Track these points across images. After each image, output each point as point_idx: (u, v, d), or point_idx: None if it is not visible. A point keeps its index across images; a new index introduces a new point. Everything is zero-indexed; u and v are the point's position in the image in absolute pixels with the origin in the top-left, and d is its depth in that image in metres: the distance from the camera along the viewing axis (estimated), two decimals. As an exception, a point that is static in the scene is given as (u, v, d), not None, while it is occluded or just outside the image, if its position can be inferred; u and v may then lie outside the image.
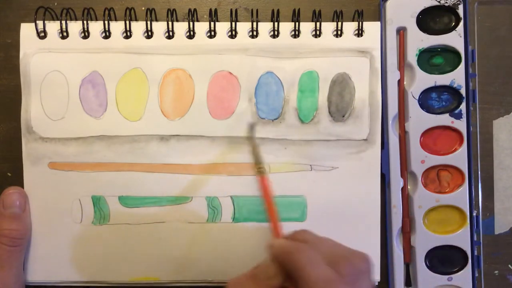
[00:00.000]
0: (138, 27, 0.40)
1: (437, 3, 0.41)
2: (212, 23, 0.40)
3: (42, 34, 0.40)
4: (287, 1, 0.42)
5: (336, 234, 0.40)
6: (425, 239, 0.41)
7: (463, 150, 0.41)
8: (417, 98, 0.41)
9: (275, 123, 0.41)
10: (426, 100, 0.42)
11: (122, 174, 0.41)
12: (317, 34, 0.41)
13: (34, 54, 0.40)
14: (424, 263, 0.41)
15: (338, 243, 0.32)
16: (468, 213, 0.41)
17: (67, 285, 0.41)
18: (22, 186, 0.40)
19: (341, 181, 0.41)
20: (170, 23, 0.40)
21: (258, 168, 0.39)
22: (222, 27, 0.41)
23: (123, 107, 0.41)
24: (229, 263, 0.41)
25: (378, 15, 0.42)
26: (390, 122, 0.41)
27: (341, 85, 0.41)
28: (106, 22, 0.40)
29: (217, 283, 0.41)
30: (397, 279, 0.41)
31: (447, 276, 0.41)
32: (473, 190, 0.41)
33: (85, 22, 0.40)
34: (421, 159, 0.41)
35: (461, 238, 0.41)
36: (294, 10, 0.40)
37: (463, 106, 0.41)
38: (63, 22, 0.40)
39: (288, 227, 0.41)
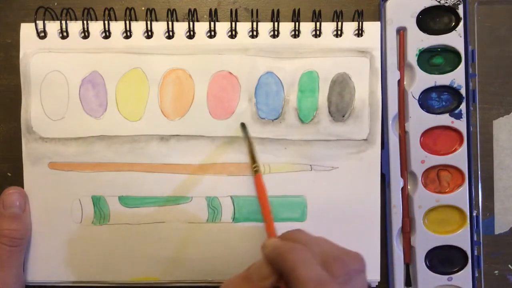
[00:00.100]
0: (138, 27, 0.40)
1: (437, 3, 0.41)
2: (212, 23, 0.40)
3: (42, 34, 0.40)
4: (287, 1, 0.42)
5: (336, 234, 0.40)
6: (425, 239, 0.41)
7: (463, 150, 0.41)
8: (417, 98, 0.41)
9: (275, 123, 0.41)
10: (426, 100, 0.42)
11: (122, 174, 0.41)
12: (317, 34, 0.41)
13: (34, 54, 0.40)
14: (424, 263, 0.41)
15: (332, 243, 0.32)
16: (468, 213, 0.41)
17: (67, 285, 0.41)
18: (22, 186, 0.40)
19: (341, 181, 0.41)
20: (170, 23, 0.40)
21: (253, 167, 0.39)
22: (222, 27, 0.41)
23: (123, 107, 0.41)
24: (229, 263, 0.41)
25: (378, 15, 0.42)
26: (390, 122, 0.41)
27: (341, 85, 0.41)
28: (106, 22, 0.40)
29: (217, 283, 0.41)
30: (397, 279, 0.41)
31: (447, 276, 0.41)
32: (473, 190, 0.41)
33: (85, 22, 0.40)
34: (421, 159, 0.41)
35: (461, 238, 0.41)
36: (294, 10, 0.40)
37: (463, 106, 0.41)
38: (63, 22, 0.40)
39: (288, 227, 0.41)
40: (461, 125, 0.41)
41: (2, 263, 0.38)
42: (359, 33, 0.41)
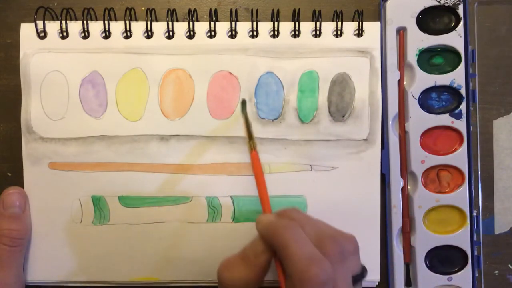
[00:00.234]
0: (138, 27, 0.40)
1: (437, 3, 0.41)
2: (212, 23, 0.40)
3: (42, 34, 0.40)
4: (287, 1, 0.42)
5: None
6: (425, 239, 0.41)
7: (463, 150, 0.41)
8: (417, 98, 0.41)
9: (275, 123, 0.41)
10: (426, 100, 0.42)
11: (122, 174, 0.41)
12: (317, 34, 0.41)
13: (34, 54, 0.40)
14: (424, 263, 0.41)
15: (327, 224, 0.33)
16: (468, 213, 0.41)
17: (67, 285, 0.41)
18: (22, 186, 0.40)
19: (341, 181, 0.41)
20: (170, 23, 0.40)
21: (250, 143, 0.39)
22: (222, 27, 0.41)
23: (123, 107, 0.41)
24: (229, 263, 0.41)
25: (378, 15, 0.42)
26: (390, 122, 0.41)
27: (341, 85, 0.41)
28: (106, 22, 0.40)
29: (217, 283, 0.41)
30: (397, 279, 0.41)
31: (447, 276, 0.41)
32: (473, 190, 0.41)
33: (85, 22, 0.40)
34: (421, 159, 0.41)
35: (461, 238, 0.41)
36: (294, 10, 0.40)
37: (463, 106, 0.41)
38: (63, 22, 0.40)
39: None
40: (461, 125, 0.41)
41: (2, 263, 0.38)
42: (359, 33, 0.41)
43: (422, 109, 0.41)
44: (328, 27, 0.41)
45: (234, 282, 0.31)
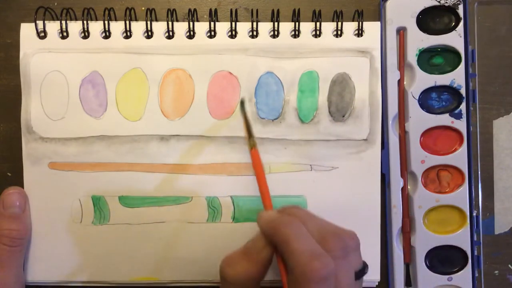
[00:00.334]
0: (138, 27, 0.40)
1: (437, 3, 0.41)
2: (212, 23, 0.40)
3: (42, 34, 0.40)
4: (287, 1, 0.42)
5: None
6: (425, 239, 0.41)
7: (463, 150, 0.41)
8: (417, 98, 0.41)
9: (275, 123, 0.41)
10: (426, 100, 0.42)
11: (122, 174, 0.41)
12: (317, 34, 0.41)
13: (34, 54, 0.40)
14: (424, 263, 0.41)
15: (328, 221, 0.33)
16: (468, 213, 0.41)
17: (67, 285, 0.41)
18: (22, 186, 0.40)
19: (341, 181, 0.41)
20: (170, 23, 0.40)
21: (250, 141, 0.38)
22: (222, 27, 0.41)
23: (123, 107, 0.41)
24: (229, 263, 0.41)
25: (378, 15, 0.42)
26: (390, 122, 0.41)
27: (341, 85, 0.41)
28: (106, 22, 0.40)
29: (217, 283, 0.41)
30: (397, 279, 0.41)
31: (447, 276, 0.41)
32: (473, 190, 0.41)
33: (85, 22, 0.40)
34: (421, 159, 0.41)
35: (461, 238, 0.41)
36: (294, 10, 0.40)
37: (463, 106, 0.41)
38: (63, 22, 0.40)
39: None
40: (461, 125, 0.41)
41: (2, 263, 0.38)
42: (359, 33, 0.41)
43: (422, 109, 0.41)
44: (328, 27, 0.41)
45: (237, 278, 0.31)
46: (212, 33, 0.41)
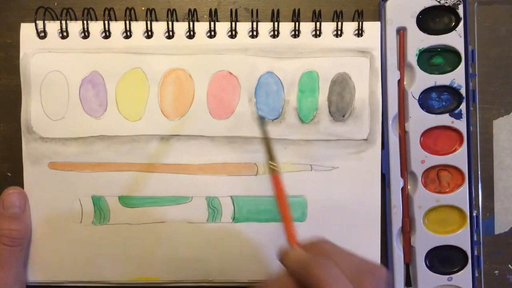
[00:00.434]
0: (138, 27, 0.40)
1: (437, 3, 0.41)
2: (212, 23, 0.40)
3: (42, 34, 0.40)
4: (287, 1, 0.42)
5: (336, 234, 0.40)
6: (425, 239, 0.41)
7: (463, 150, 0.41)
8: (417, 98, 0.41)
9: (275, 123, 0.41)
10: (426, 100, 0.42)
11: (122, 174, 0.41)
12: (317, 34, 0.41)
13: (34, 54, 0.40)
14: (424, 263, 0.41)
15: (355, 254, 0.31)
16: (468, 213, 0.41)
17: (67, 285, 0.41)
18: (22, 186, 0.40)
19: (341, 181, 0.41)
20: (170, 23, 0.40)
21: (271, 165, 0.35)
22: (222, 27, 0.41)
23: (123, 107, 0.41)
24: (229, 263, 0.41)
25: (378, 15, 0.42)
26: (390, 122, 0.41)
27: (341, 85, 0.41)
28: (106, 22, 0.40)
29: (217, 283, 0.41)
30: (397, 279, 0.41)
31: (447, 276, 0.41)
32: (473, 190, 0.41)
33: (85, 22, 0.40)
34: (421, 159, 0.41)
35: (461, 238, 0.41)
36: (294, 10, 0.40)
37: (463, 106, 0.41)
38: (63, 22, 0.40)
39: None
40: (461, 125, 0.41)
41: (2, 263, 0.38)
42: (359, 33, 0.41)
43: (422, 109, 0.41)
44: (328, 27, 0.41)
45: None
46: (212, 33, 0.41)
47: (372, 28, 0.41)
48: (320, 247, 0.31)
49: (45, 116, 0.40)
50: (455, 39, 0.41)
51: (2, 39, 0.42)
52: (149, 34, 0.40)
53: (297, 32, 0.40)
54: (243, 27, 0.41)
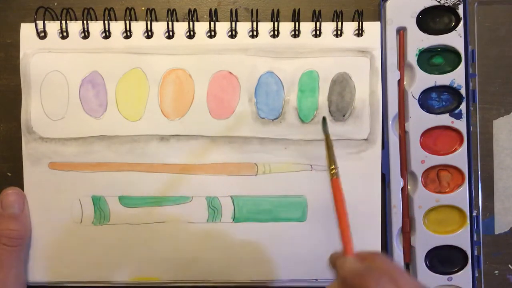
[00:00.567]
0: (138, 27, 0.40)
1: (437, 3, 0.41)
2: (212, 23, 0.40)
3: (42, 34, 0.40)
4: (287, 1, 0.42)
5: (336, 234, 0.40)
6: (425, 239, 0.41)
7: (463, 150, 0.41)
8: (417, 98, 0.41)
9: (275, 123, 0.41)
10: (426, 100, 0.42)
11: (122, 174, 0.41)
12: (317, 34, 0.41)
13: (34, 54, 0.40)
14: (424, 263, 0.41)
15: (412, 277, 0.30)
16: (468, 213, 0.41)
17: (67, 285, 0.41)
18: (22, 187, 0.40)
19: (341, 181, 0.40)
20: (170, 23, 0.40)
21: (331, 169, 0.35)
22: (222, 27, 0.41)
23: (123, 107, 0.41)
24: (229, 263, 0.41)
25: (378, 15, 0.42)
26: (390, 122, 0.41)
27: (341, 85, 0.41)
28: (106, 22, 0.40)
29: (217, 283, 0.41)
30: (397, 279, 0.41)
31: (447, 276, 0.41)
32: (473, 190, 0.41)
33: (85, 22, 0.40)
34: (421, 159, 0.41)
35: (461, 238, 0.41)
36: (294, 10, 0.40)
37: (463, 106, 0.41)
38: (63, 22, 0.40)
39: (288, 227, 0.41)
40: (461, 125, 0.41)
41: (2, 263, 0.38)
42: (359, 33, 0.41)
43: (422, 109, 0.41)
44: (328, 27, 0.41)
45: None
46: (212, 33, 0.41)
47: (372, 28, 0.41)
48: (377, 261, 0.30)
49: (45, 116, 0.40)
50: (455, 39, 0.41)
51: (2, 39, 0.42)
52: (149, 34, 0.40)
53: (297, 32, 0.40)
54: (243, 27, 0.41)
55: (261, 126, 0.41)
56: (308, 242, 0.41)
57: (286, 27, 0.41)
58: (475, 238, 0.41)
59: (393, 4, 0.41)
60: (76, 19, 0.41)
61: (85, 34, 0.40)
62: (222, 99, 0.41)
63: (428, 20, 0.41)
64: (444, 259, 0.41)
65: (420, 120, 0.41)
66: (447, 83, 0.41)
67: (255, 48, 0.41)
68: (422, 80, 0.41)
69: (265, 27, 0.41)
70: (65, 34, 0.40)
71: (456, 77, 0.41)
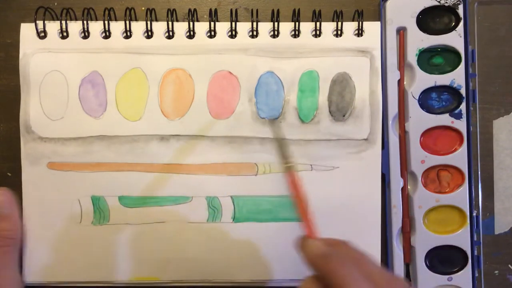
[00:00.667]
0: (138, 27, 0.40)
1: (437, 3, 0.41)
2: (212, 23, 0.40)
3: (42, 34, 0.40)
4: (287, 1, 0.42)
5: (336, 234, 0.40)
6: (425, 239, 0.41)
7: (463, 150, 0.41)
8: (417, 98, 0.41)
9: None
10: (426, 100, 0.42)
11: (122, 174, 0.40)
12: (317, 34, 0.41)
13: (34, 54, 0.40)
14: (424, 263, 0.41)
15: (376, 263, 0.30)
16: (468, 213, 0.41)
17: (67, 286, 0.41)
18: (21, 186, 0.40)
19: (341, 181, 0.41)
20: (170, 23, 0.40)
21: (285, 163, 0.36)
22: (222, 27, 0.41)
23: (123, 107, 0.41)
24: (229, 263, 0.41)
25: (378, 15, 0.42)
26: (390, 122, 0.41)
27: (341, 85, 0.41)
28: (106, 22, 0.40)
29: (217, 283, 0.41)
30: (397, 279, 0.41)
31: (447, 276, 0.41)
32: (473, 190, 0.41)
33: (85, 22, 0.40)
34: (421, 159, 0.41)
35: (461, 238, 0.41)
36: (294, 10, 0.40)
37: (463, 106, 0.41)
38: (63, 22, 0.40)
39: (288, 227, 0.41)
40: (461, 125, 0.41)
41: None
42: (359, 33, 0.41)
43: (422, 109, 0.41)
44: (328, 27, 0.41)
45: None
46: (212, 33, 0.41)
47: (372, 28, 0.41)
48: (342, 246, 0.30)
49: (44, 116, 0.40)
50: (455, 39, 0.41)
51: (2, 39, 0.42)
52: (149, 34, 0.40)
53: (297, 32, 0.40)
54: (243, 27, 0.41)
55: (261, 126, 0.41)
56: (308, 242, 0.41)
57: (286, 27, 0.41)
58: (475, 238, 0.41)
59: (393, 4, 0.41)
60: (76, 19, 0.41)
61: (85, 34, 0.40)
62: (222, 99, 0.41)
63: (428, 20, 0.41)
64: (444, 259, 0.41)
65: (420, 120, 0.41)
66: (447, 83, 0.41)
67: (255, 48, 0.41)
68: (422, 80, 0.41)
69: (265, 27, 0.41)
70: (65, 34, 0.40)
71: (456, 77, 0.41)
